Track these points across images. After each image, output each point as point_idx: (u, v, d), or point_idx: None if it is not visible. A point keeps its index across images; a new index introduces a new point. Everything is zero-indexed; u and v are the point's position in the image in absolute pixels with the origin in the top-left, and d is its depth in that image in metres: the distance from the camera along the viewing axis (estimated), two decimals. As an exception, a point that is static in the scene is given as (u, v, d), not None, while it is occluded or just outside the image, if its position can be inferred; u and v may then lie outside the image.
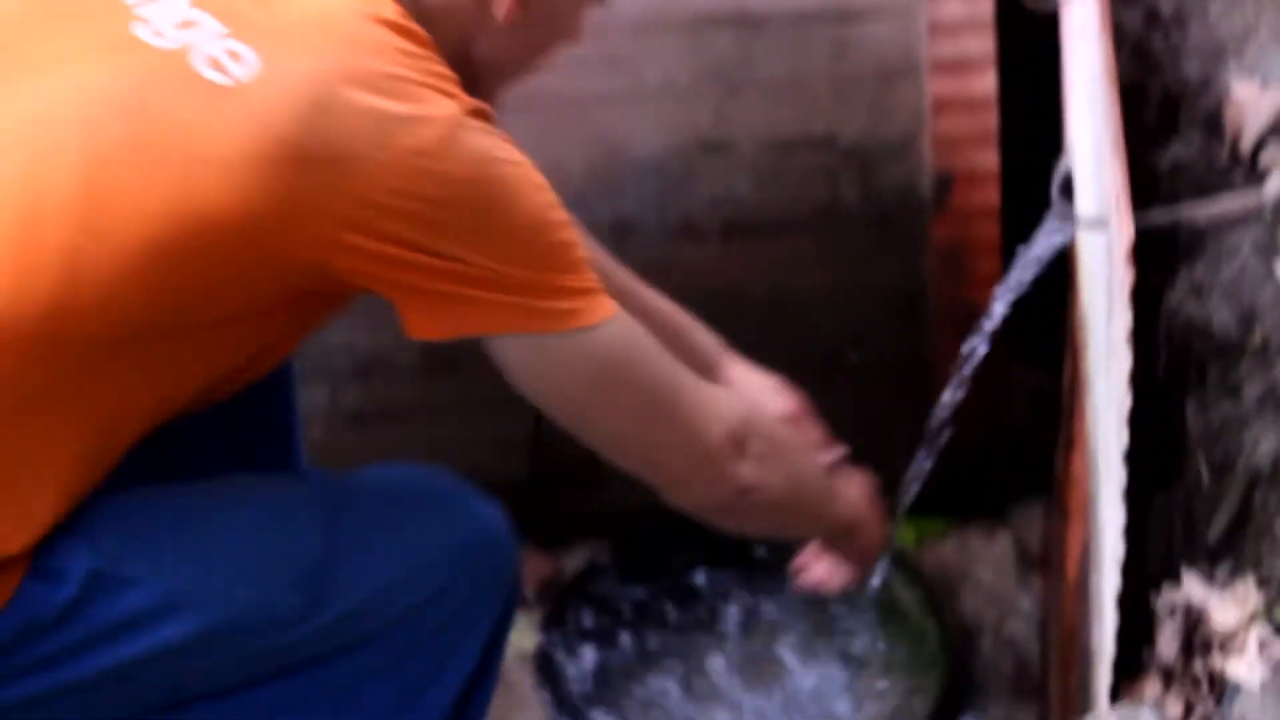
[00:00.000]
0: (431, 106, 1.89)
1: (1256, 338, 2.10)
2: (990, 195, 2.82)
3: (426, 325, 1.95)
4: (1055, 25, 2.67)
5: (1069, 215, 2.36)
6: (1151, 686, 1.99)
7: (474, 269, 1.90)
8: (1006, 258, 2.67)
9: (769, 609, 2.88)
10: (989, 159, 2.80)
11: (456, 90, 1.94)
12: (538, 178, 1.95)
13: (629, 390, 2.03)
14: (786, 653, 2.79)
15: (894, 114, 2.77)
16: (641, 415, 2.06)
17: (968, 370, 2.60)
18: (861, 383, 2.91)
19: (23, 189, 1.85)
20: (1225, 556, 2.06)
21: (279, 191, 1.84)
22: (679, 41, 2.72)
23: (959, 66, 2.77)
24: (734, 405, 2.16)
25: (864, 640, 2.78)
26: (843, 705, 2.70)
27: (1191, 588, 2.00)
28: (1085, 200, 2.33)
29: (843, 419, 2.94)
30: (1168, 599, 2.01)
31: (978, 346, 2.59)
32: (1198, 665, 1.96)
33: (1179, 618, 1.99)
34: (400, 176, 1.86)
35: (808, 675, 2.76)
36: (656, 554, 2.92)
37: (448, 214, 1.89)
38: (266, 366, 2.09)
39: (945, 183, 2.80)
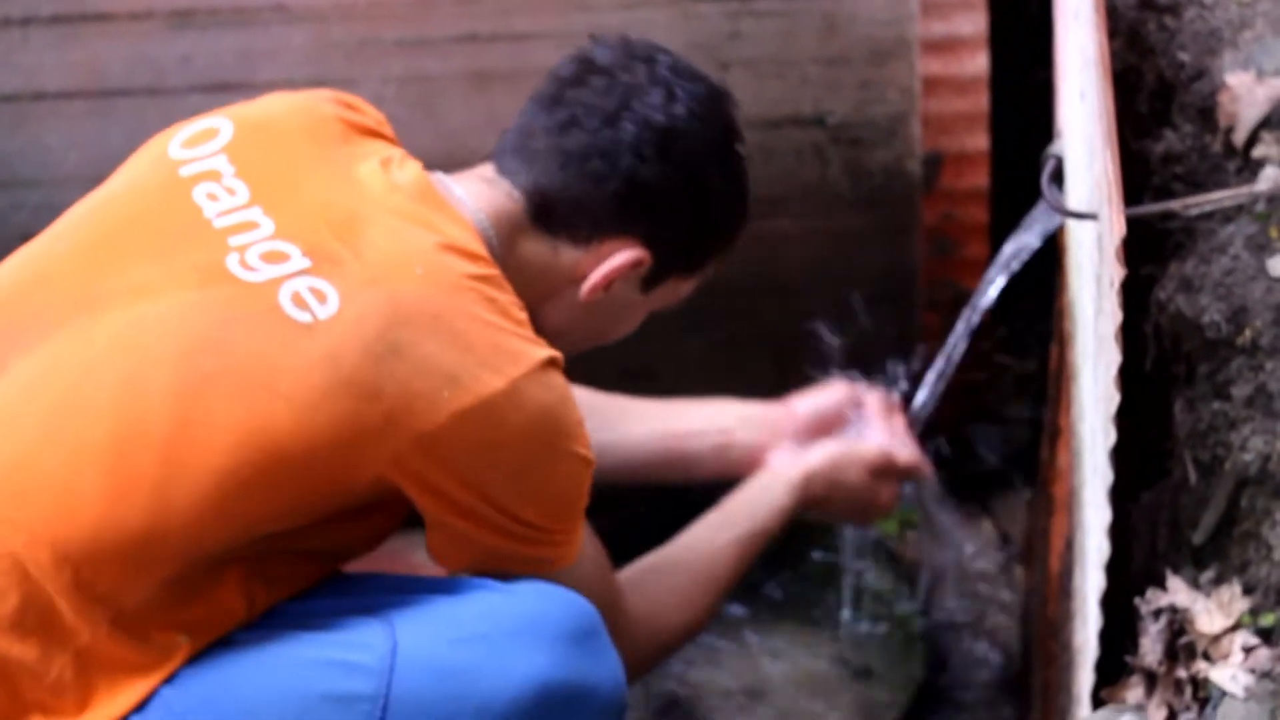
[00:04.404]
0: (502, 355, 1.98)
1: (1246, 336, 2.08)
2: (980, 177, 2.79)
3: (445, 555, 2.07)
4: (1049, 4, 2.63)
5: (1058, 203, 2.33)
6: (1134, 690, 1.97)
7: (499, 518, 2.02)
8: (996, 241, 2.65)
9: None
10: (979, 140, 2.77)
11: (528, 336, 2.02)
12: (583, 441, 2.05)
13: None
14: (759, 643, 2.76)
15: (884, 93, 2.73)
16: None
17: (953, 356, 2.58)
18: (847, 365, 2.88)
19: (114, 419, 1.93)
20: (1211, 560, 2.04)
21: (345, 425, 1.94)
22: (667, 16, 2.69)
23: (950, 46, 2.74)
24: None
25: (842, 631, 2.75)
26: (819, 697, 2.67)
27: (1176, 591, 1.98)
28: (1076, 191, 2.30)
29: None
30: (1152, 602, 1.99)
31: (963, 331, 2.56)
32: (1181, 670, 1.94)
33: (1163, 621, 1.97)
34: (462, 420, 1.96)
35: (780, 665, 2.73)
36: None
37: (497, 456, 1.99)
38: (372, 549, 2.14)
39: (935, 164, 2.77)
